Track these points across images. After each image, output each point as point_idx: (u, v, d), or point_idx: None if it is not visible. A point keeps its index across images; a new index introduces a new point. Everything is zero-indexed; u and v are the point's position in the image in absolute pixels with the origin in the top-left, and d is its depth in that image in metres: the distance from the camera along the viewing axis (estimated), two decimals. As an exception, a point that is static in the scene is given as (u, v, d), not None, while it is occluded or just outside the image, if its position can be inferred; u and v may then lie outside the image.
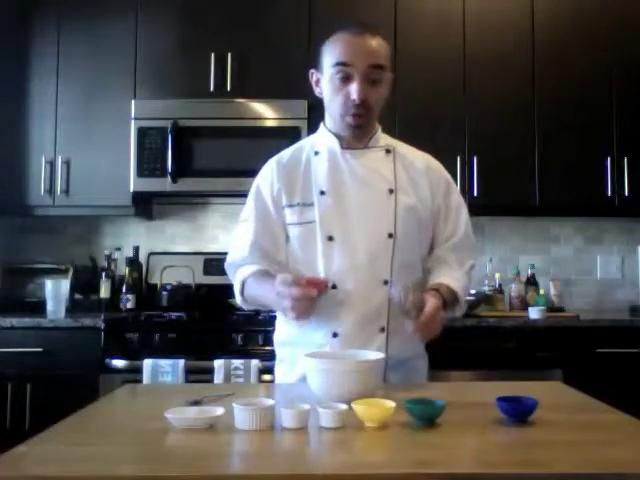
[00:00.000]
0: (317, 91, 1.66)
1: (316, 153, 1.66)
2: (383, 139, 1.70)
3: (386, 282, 1.56)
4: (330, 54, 1.58)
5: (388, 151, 1.67)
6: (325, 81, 1.60)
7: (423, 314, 1.39)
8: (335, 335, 1.54)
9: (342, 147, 1.64)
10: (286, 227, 1.63)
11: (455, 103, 3.09)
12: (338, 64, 1.55)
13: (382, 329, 1.56)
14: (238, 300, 1.66)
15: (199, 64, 3.08)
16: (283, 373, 1.67)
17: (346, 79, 1.55)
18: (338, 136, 1.65)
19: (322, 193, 1.60)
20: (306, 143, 1.72)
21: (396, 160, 1.67)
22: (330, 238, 1.57)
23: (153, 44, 3.12)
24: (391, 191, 1.61)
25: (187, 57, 3.10)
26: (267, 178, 1.67)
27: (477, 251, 1.80)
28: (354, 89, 1.54)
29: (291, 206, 1.62)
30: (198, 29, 3.12)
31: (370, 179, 1.62)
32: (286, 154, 1.70)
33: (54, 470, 0.89)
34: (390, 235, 1.58)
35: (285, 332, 1.67)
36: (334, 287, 1.54)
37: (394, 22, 3.07)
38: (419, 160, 1.70)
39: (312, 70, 1.66)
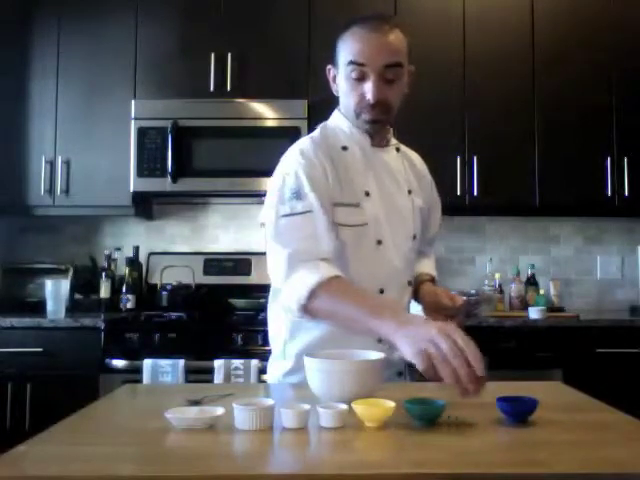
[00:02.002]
0: (334, 88, 1.58)
1: (344, 148, 1.56)
2: (392, 137, 1.67)
3: (410, 283, 1.59)
4: (345, 51, 1.49)
5: (398, 149, 1.65)
6: (341, 78, 1.53)
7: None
8: (380, 341, 1.36)
9: (372, 144, 1.57)
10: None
11: (455, 103, 3.09)
12: (352, 63, 1.47)
13: None
14: (294, 307, 1.36)
15: (199, 64, 3.08)
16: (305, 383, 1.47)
17: (361, 78, 1.47)
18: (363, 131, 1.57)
19: (367, 194, 1.51)
20: (328, 134, 1.59)
21: (404, 159, 1.66)
22: (379, 242, 1.51)
23: (153, 44, 3.12)
24: (409, 191, 1.61)
25: (187, 57, 3.11)
26: (318, 167, 1.48)
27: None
28: (369, 89, 1.47)
29: (342, 205, 1.48)
30: (198, 29, 3.13)
31: (396, 178, 1.60)
32: (321, 143, 1.54)
33: (54, 470, 0.89)
34: (414, 237, 1.59)
35: (309, 338, 1.50)
36: (381, 292, 1.51)
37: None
38: (416, 160, 1.72)
39: (329, 66, 1.57)
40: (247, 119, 3.03)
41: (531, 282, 3.26)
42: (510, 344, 2.72)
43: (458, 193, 3.03)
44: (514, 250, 3.44)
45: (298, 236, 1.40)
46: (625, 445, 1.01)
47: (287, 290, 1.38)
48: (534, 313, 2.83)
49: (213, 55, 3.08)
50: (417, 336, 1.12)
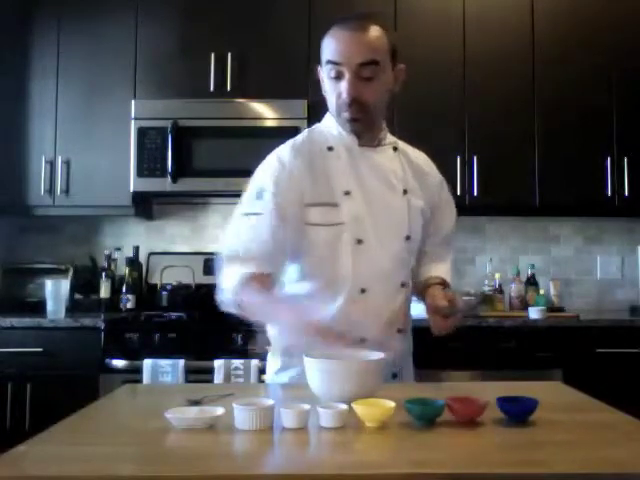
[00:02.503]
0: (323, 88, 1.59)
1: (330, 148, 1.58)
2: (389, 136, 1.65)
3: (403, 285, 1.58)
4: (325, 51, 1.52)
5: (395, 149, 1.64)
6: (323, 77, 1.56)
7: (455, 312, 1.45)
8: (363, 341, 1.46)
9: (359, 144, 1.58)
10: (304, 227, 1.51)
11: (455, 103, 3.09)
12: (329, 62, 1.50)
13: (399, 330, 1.58)
14: (226, 300, 1.47)
15: (199, 64, 3.08)
16: (295, 380, 1.56)
17: (338, 77, 1.49)
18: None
19: (347, 193, 1.52)
20: (314, 135, 1.62)
21: (402, 159, 1.64)
22: (359, 241, 1.51)
23: (153, 44, 3.12)
24: (405, 192, 1.59)
25: (187, 57, 3.10)
26: (288, 170, 1.53)
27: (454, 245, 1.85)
28: (344, 87, 1.48)
29: (316, 205, 1.51)
30: (198, 29, 3.12)
31: (387, 179, 1.58)
32: (300, 146, 1.59)
33: (54, 470, 0.89)
34: (407, 238, 1.57)
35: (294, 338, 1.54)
36: (363, 291, 1.51)
37: (394, 22, 3.07)
38: (418, 160, 1.69)
39: (318, 67, 1.60)
40: (247, 119, 3.03)
41: (531, 282, 3.25)
42: (510, 344, 2.72)
43: (458, 193, 3.02)
44: (514, 250, 3.44)
45: (244, 235, 1.49)
46: (625, 445, 1.01)
47: (222, 282, 1.48)
48: (534, 313, 2.83)
49: (213, 55, 3.08)
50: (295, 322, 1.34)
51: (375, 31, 1.49)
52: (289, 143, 1.60)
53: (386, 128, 1.65)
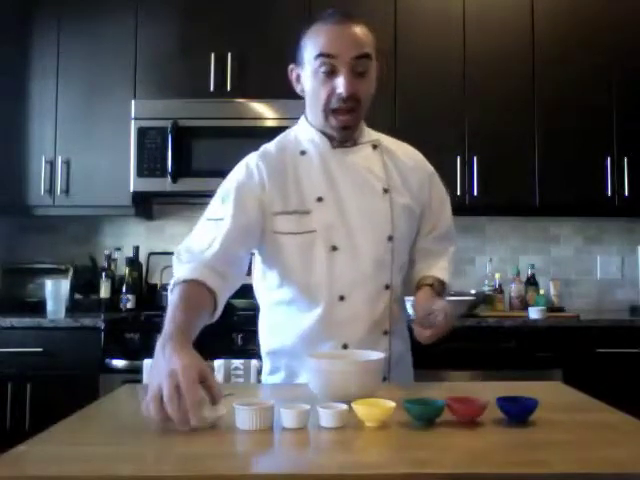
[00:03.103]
0: (298, 88, 1.55)
1: (302, 153, 1.54)
2: (368, 134, 1.59)
3: (387, 287, 1.53)
4: (312, 46, 1.46)
5: (375, 147, 1.57)
6: (307, 75, 1.49)
7: (440, 320, 1.37)
8: (345, 347, 1.47)
9: (333, 146, 1.53)
10: (274, 236, 1.49)
11: (455, 103, 3.09)
12: (321, 55, 1.43)
13: (385, 332, 1.54)
14: (169, 289, 1.44)
15: (199, 64, 3.08)
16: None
17: (331, 72, 1.43)
18: (325, 134, 1.53)
19: (319, 200, 1.48)
20: (288, 140, 1.59)
21: (384, 156, 1.58)
22: (334, 248, 1.47)
23: (153, 44, 3.12)
24: (385, 190, 1.53)
25: (187, 57, 3.10)
26: (254, 177, 1.50)
27: (456, 239, 1.74)
28: (341, 82, 1.42)
29: (286, 213, 1.48)
30: (198, 29, 3.13)
31: (364, 179, 1.53)
32: (270, 151, 1.56)
33: (54, 470, 0.89)
34: (390, 238, 1.52)
35: (280, 341, 1.56)
36: (341, 299, 1.47)
37: (394, 22, 3.07)
38: (405, 154, 1.63)
39: (291, 66, 1.55)
40: (247, 119, 3.03)
41: (531, 282, 3.26)
42: (510, 344, 2.72)
43: (458, 193, 3.02)
44: (514, 250, 3.44)
45: (201, 238, 1.47)
46: (625, 445, 1.01)
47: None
48: (534, 313, 2.83)
49: (213, 55, 3.08)
50: (156, 372, 1.12)
51: (363, 27, 1.47)
52: (261, 149, 1.58)
53: (364, 126, 1.59)
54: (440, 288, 1.57)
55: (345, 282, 1.49)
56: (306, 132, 1.57)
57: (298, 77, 1.54)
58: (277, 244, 1.49)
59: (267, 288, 1.60)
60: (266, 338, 1.62)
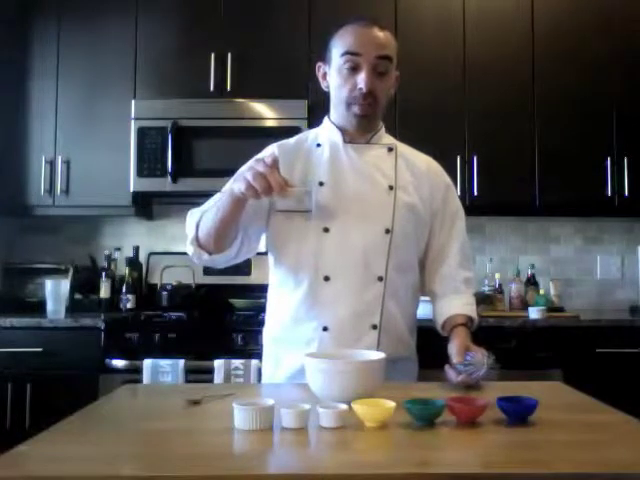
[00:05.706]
0: (324, 85, 1.66)
1: (318, 145, 1.65)
2: (386, 138, 1.70)
3: (380, 279, 1.56)
4: (339, 45, 1.58)
5: (390, 149, 1.66)
6: (333, 72, 1.60)
7: (478, 375, 1.40)
8: (325, 329, 1.54)
9: (345, 141, 1.63)
10: (275, 216, 1.59)
11: (455, 103, 3.09)
12: (347, 53, 1.55)
13: (374, 326, 1.55)
14: (190, 249, 1.56)
15: (199, 64, 3.08)
16: (269, 371, 1.67)
17: (354, 69, 1.55)
18: (342, 130, 1.64)
19: (321, 184, 1.58)
20: (309, 135, 1.71)
21: (398, 159, 1.66)
22: (326, 230, 1.56)
23: (153, 44, 3.12)
24: (391, 187, 1.61)
25: (187, 57, 3.10)
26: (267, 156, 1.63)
27: (472, 259, 1.83)
28: (362, 78, 1.54)
29: None
30: (198, 29, 3.13)
31: (370, 174, 1.61)
32: (289, 142, 1.69)
33: (54, 470, 0.89)
34: (387, 231, 1.57)
35: (274, 327, 1.65)
36: (326, 279, 1.54)
37: (394, 22, 3.07)
38: (421, 161, 1.71)
39: (319, 63, 1.66)
40: (247, 119, 3.03)
41: (531, 282, 3.25)
42: (510, 344, 2.72)
43: (458, 193, 3.01)
44: (514, 250, 3.44)
45: (213, 204, 1.55)
46: (625, 445, 1.01)
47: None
48: (534, 313, 2.83)
49: (213, 55, 3.08)
50: (239, 175, 1.38)
51: (388, 33, 1.60)
52: (279, 142, 1.70)
53: (383, 129, 1.69)
54: (471, 324, 1.64)
55: (332, 264, 1.55)
56: (325, 129, 1.68)
57: (325, 74, 1.65)
58: (277, 225, 1.60)
59: (270, 273, 1.69)
60: (267, 325, 1.70)
